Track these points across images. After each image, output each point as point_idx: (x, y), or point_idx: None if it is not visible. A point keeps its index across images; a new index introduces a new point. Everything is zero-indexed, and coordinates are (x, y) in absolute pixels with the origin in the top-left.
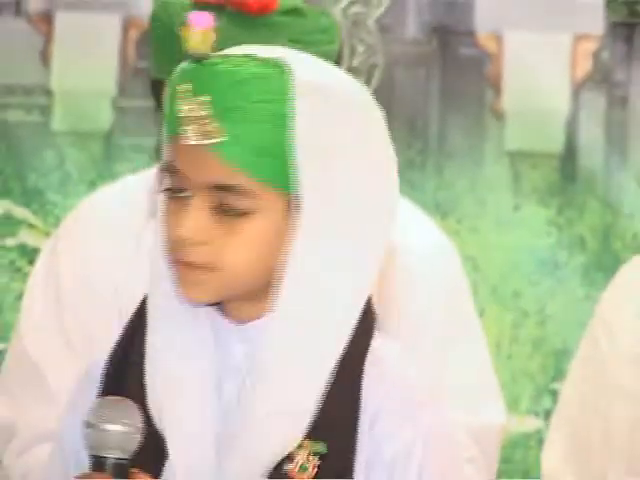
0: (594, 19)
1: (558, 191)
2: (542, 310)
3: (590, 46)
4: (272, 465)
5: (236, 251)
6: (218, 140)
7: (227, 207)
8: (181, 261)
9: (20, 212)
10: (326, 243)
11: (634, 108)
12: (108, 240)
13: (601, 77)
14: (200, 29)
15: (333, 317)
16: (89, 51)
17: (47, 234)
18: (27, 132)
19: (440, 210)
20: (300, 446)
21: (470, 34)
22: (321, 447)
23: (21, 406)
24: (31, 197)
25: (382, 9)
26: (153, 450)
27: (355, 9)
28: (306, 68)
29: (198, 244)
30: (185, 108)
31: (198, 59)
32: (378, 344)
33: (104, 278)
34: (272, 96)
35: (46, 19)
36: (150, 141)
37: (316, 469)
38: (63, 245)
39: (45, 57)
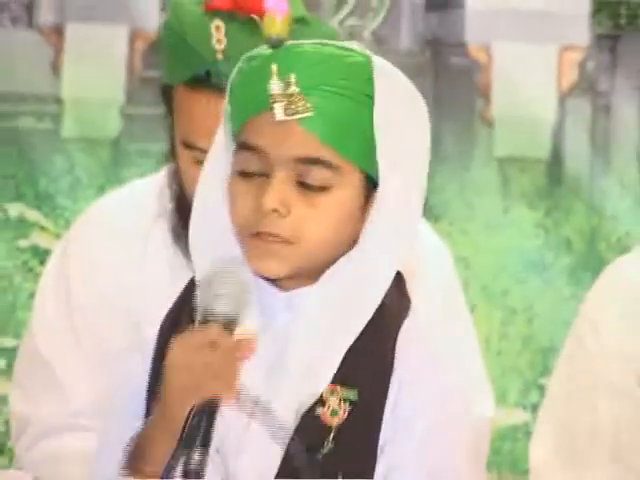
0: (579, 31)
1: (545, 195)
2: (530, 308)
3: (576, 57)
4: (304, 408)
5: (317, 224)
6: (305, 115)
7: (310, 180)
8: (261, 233)
9: (32, 215)
10: (394, 221)
11: (618, 116)
12: (116, 243)
13: (586, 86)
14: (280, 15)
15: (373, 288)
16: (98, 61)
17: (58, 236)
18: (38, 139)
19: (432, 213)
20: (332, 392)
21: (461, 45)
22: (352, 394)
23: (33, 401)
24: (42, 201)
25: (377, 21)
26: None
27: (351, 21)
28: (378, 57)
29: (282, 216)
30: (273, 86)
31: (277, 43)
32: (411, 321)
33: (112, 280)
34: (355, 74)
35: (57, 31)
36: (157, 147)
37: (346, 414)
38: (73, 248)
39: (56, 67)
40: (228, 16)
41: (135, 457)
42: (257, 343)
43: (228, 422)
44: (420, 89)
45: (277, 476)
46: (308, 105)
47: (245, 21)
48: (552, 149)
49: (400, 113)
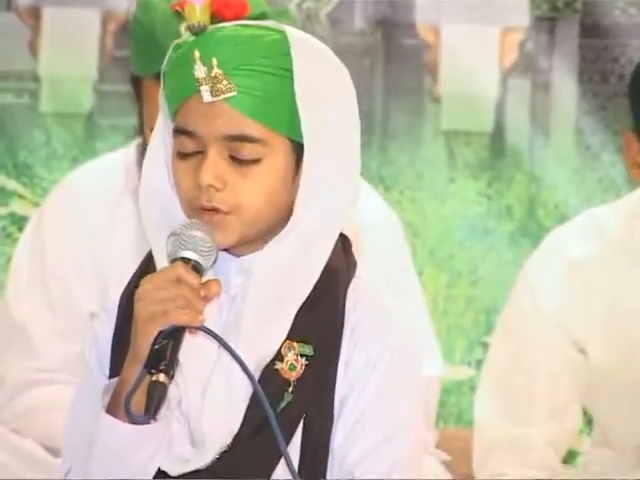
0: (520, 14)
1: (488, 166)
2: (474, 271)
3: (516, 37)
4: (263, 363)
5: (252, 193)
6: (230, 94)
7: (241, 155)
8: (204, 208)
9: (11, 184)
10: (325, 185)
11: (556, 93)
12: (87, 212)
13: (526, 65)
14: (199, 3)
15: (319, 249)
16: (72, 42)
17: (35, 204)
18: (17, 113)
19: (384, 184)
20: (290, 348)
21: (411, 26)
22: (308, 350)
23: (7, 361)
24: (21, 171)
25: (332, 4)
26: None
27: (308, 4)
28: (294, 31)
29: (218, 190)
30: (197, 71)
31: (199, 30)
32: (358, 279)
33: (83, 246)
34: (273, 52)
35: (34, 14)
36: (127, 122)
37: (303, 368)
38: (47, 217)
39: (33, 47)
40: None
41: (112, 399)
42: (220, 287)
43: (188, 380)
44: (372, 68)
45: (240, 431)
46: (231, 85)
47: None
48: (495, 124)
49: (320, 82)
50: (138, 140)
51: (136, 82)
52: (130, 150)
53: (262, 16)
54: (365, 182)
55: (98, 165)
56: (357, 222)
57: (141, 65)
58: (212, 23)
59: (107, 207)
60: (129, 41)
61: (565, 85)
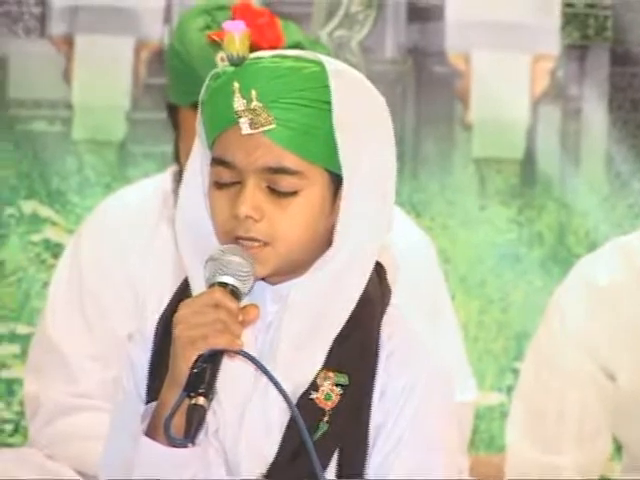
0: (551, 41)
1: (519, 193)
2: (505, 298)
3: (547, 65)
4: (299, 393)
5: (289, 225)
6: (269, 127)
7: (279, 186)
8: (239, 237)
9: (45, 211)
10: (363, 215)
11: (586, 121)
12: (124, 236)
13: (557, 92)
14: (238, 34)
15: (356, 279)
16: (105, 69)
17: (68, 231)
18: (51, 141)
19: (415, 210)
20: (325, 377)
21: (441, 54)
22: (343, 379)
23: (44, 383)
24: (54, 198)
25: (364, 33)
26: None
27: (339, 33)
28: (332, 62)
29: (256, 221)
30: (236, 103)
31: (238, 61)
32: (393, 308)
33: (120, 270)
34: (312, 84)
35: (67, 41)
36: (159, 149)
37: (339, 397)
38: (85, 241)
39: (67, 75)
40: None
41: (151, 423)
42: (259, 313)
43: (225, 408)
44: (403, 95)
45: (276, 459)
46: (270, 118)
47: None
48: (525, 151)
49: (357, 113)
50: (174, 168)
51: (172, 110)
52: (166, 177)
53: (297, 46)
54: (397, 208)
55: (135, 191)
56: (392, 249)
57: (177, 95)
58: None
59: (143, 233)
60: (165, 70)
61: (595, 113)
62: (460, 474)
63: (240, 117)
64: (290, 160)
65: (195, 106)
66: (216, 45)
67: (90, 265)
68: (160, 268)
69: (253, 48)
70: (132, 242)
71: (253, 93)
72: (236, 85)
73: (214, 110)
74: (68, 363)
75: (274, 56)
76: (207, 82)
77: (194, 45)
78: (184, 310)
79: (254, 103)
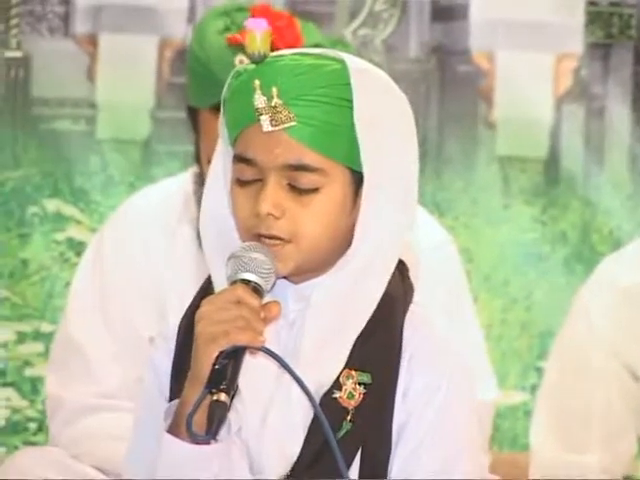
0: (574, 40)
1: (543, 192)
2: (528, 296)
3: (571, 64)
4: (322, 392)
5: (310, 222)
6: (290, 124)
7: (300, 184)
8: (261, 235)
9: (68, 210)
10: (384, 213)
11: (610, 118)
12: (147, 237)
13: (580, 91)
14: (259, 32)
15: (378, 277)
16: (129, 68)
17: (92, 230)
18: (75, 140)
19: (439, 209)
20: (348, 376)
21: (466, 53)
22: (366, 378)
23: (66, 383)
24: (78, 197)
25: (387, 32)
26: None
27: (363, 31)
28: (354, 59)
29: (277, 218)
30: (257, 100)
31: (259, 59)
32: (416, 307)
33: (143, 271)
34: (333, 82)
35: (91, 40)
36: (183, 148)
37: (362, 396)
38: (107, 241)
39: (90, 74)
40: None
41: (174, 421)
42: (280, 309)
43: (247, 407)
44: (427, 94)
45: (299, 458)
46: (291, 115)
47: None
48: (549, 149)
49: (379, 111)
50: (194, 169)
51: (192, 113)
52: (187, 178)
53: (316, 46)
54: (420, 207)
55: (157, 191)
56: (415, 247)
57: (197, 97)
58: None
59: (166, 234)
60: (186, 73)
61: (619, 111)
62: (483, 473)
63: (261, 114)
64: (311, 157)
65: (214, 108)
66: (235, 48)
67: (112, 265)
68: (181, 270)
69: (272, 49)
70: (154, 243)
71: (274, 90)
72: (257, 83)
73: (235, 108)
74: (90, 363)
75: (295, 54)
76: (229, 80)
77: (213, 48)
78: (206, 307)
79: (275, 100)
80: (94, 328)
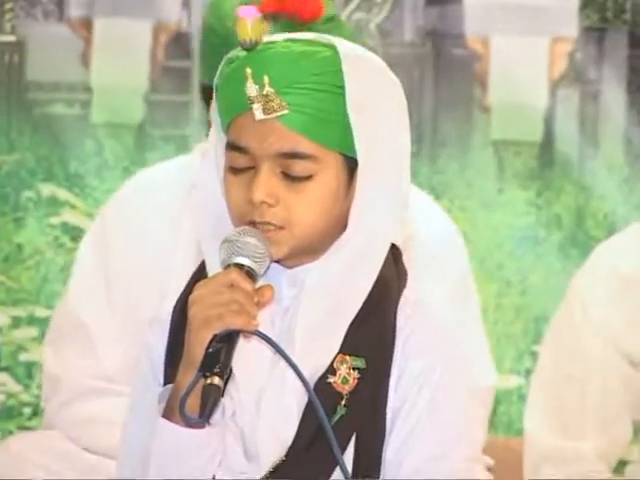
0: (569, 24)
1: (537, 176)
2: (523, 281)
3: (565, 48)
4: (316, 377)
5: (304, 209)
6: (282, 113)
7: (293, 171)
8: (255, 222)
9: (63, 194)
10: (378, 198)
11: (604, 103)
12: (151, 216)
13: (575, 75)
14: (250, 19)
15: (372, 262)
16: (124, 52)
17: (87, 214)
18: (69, 124)
19: (434, 192)
20: (342, 361)
21: (460, 37)
22: (361, 363)
23: (66, 362)
24: (73, 181)
25: (382, 16)
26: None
27: (358, 15)
28: (345, 45)
29: (270, 206)
30: (249, 89)
31: (251, 46)
32: (410, 291)
33: (147, 250)
34: (325, 69)
35: (86, 25)
36: (178, 132)
37: (356, 381)
38: (111, 219)
39: (85, 58)
40: (272, 18)
41: (168, 405)
42: (273, 294)
43: (242, 392)
44: (421, 78)
45: (293, 443)
46: (283, 103)
47: (287, 24)
48: (544, 133)
49: (371, 96)
50: (202, 147)
51: (205, 90)
52: (192, 157)
53: (332, 19)
54: (423, 192)
55: (160, 171)
56: (408, 230)
57: (212, 73)
58: (288, 24)
59: (171, 213)
60: (200, 50)
61: (614, 95)
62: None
63: (253, 103)
64: (304, 145)
65: None
66: (269, 17)
67: (116, 244)
68: (183, 252)
69: (295, 18)
70: (159, 221)
71: (266, 79)
72: (248, 71)
73: (227, 96)
74: (92, 341)
75: (287, 40)
76: (221, 66)
77: (230, 18)
78: (200, 290)
79: (267, 89)
80: (98, 307)
